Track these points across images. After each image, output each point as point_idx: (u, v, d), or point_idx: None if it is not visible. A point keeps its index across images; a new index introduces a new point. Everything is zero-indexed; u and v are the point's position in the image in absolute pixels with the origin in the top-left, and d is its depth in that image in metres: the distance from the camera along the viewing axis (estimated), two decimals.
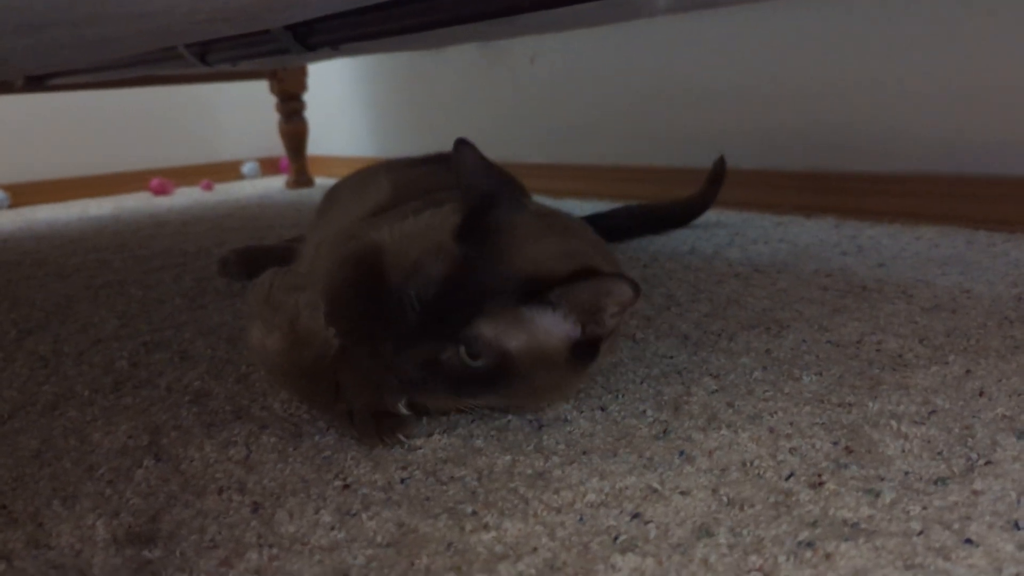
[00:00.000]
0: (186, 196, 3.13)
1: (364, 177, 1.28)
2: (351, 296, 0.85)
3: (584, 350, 0.80)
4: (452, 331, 0.75)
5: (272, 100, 3.12)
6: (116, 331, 1.26)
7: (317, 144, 3.26)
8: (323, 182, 3.25)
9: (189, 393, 0.98)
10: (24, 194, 3.12)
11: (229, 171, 3.58)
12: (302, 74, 3.06)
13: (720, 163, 1.74)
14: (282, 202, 2.79)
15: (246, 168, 3.61)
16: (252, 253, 1.54)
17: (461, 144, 0.79)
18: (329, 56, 1.72)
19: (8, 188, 3.09)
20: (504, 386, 0.77)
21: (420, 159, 1.30)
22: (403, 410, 0.81)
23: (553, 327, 0.77)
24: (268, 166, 3.67)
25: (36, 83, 2.41)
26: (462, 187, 0.81)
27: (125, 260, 1.84)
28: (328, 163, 3.40)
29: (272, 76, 3.01)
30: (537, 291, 0.75)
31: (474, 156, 0.80)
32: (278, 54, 1.48)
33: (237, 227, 2.25)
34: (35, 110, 3.07)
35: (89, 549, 0.65)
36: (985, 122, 1.62)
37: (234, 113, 3.55)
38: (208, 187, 3.31)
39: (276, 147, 3.43)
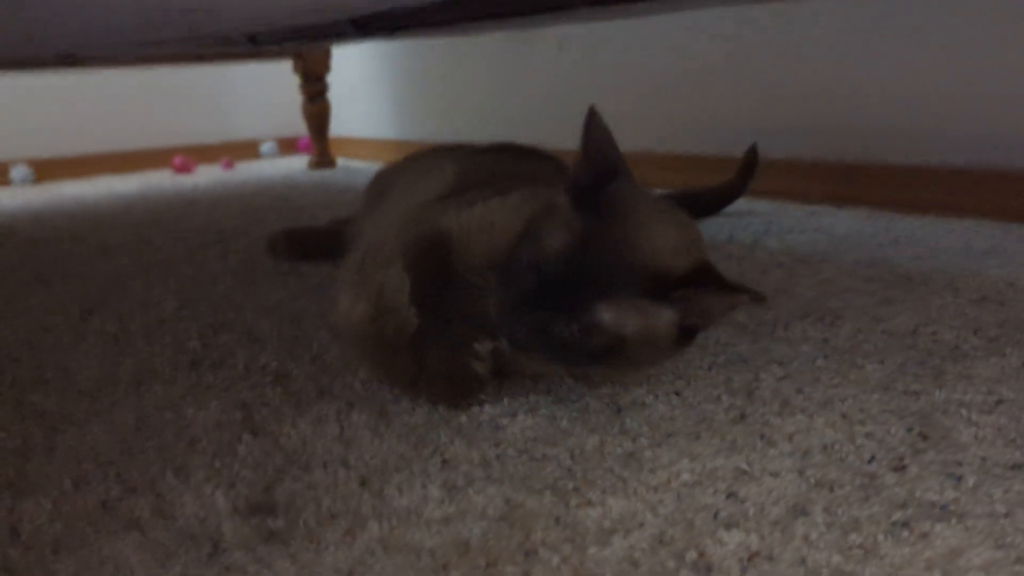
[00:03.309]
0: (208, 174, 3.15)
1: (424, 162, 1.30)
2: (420, 278, 0.87)
3: (683, 335, 0.83)
4: (571, 308, 0.77)
5: (291, 79, 3.14)
6: (176, 311, 1.29)
7: (338, 125, 3.28)
8: (344, 163, 3.27)
9: (269, 373, 1.01)
10: (47, 169, 3.14)
11: (247, 150, 3.60)
12: (326, 55, 3.08)
13: (753, 151, 1.76)
14: (307, 183, 2.81)
15: (264, 147, 3.63)
16: (301, 234, 1.57)
17: (592, 113, 0.80)
18: (383, 39, 1.74)
19: (32, 163, 3.10)
20: (608, 362, 0.81)
21: (483, 147, 1.32)
22: (482, 371, 0.84)
23: (667, 318, 0.80)
24: (285, 146, 3.69)
25: (67, 59, 2.43)
26: (586, 153, 0.82)
27: (165, 238, 1.87)
28: (349, 144, 3.42)
29: (297, 56, 3.02)
30: (661, 286, 0.78)
31: (601, 126, 0.81)
32: (331, 38, 1.50)
33: (268, 206, 2.28)
34: (57, 86, 3.08)
35: (214, 518, 0.68)
36: (1018, 117, 1.65)
37: (253, 92, 3.57)
38: (229, 166, 3.33)
39: (294, 127, 3.45)
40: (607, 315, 0.77)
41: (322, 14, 0.99)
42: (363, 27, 1.33)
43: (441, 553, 0.62)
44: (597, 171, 0.81)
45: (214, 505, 0.70)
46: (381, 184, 1.44)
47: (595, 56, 2.44)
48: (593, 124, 0.81)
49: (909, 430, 0.78)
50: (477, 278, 0.87)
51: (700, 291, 0.79)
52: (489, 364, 0.84)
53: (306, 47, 2.52)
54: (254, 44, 1.60)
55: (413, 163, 1.35)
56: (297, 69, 3.08)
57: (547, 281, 0.77)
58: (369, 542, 0.64)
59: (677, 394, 0.89)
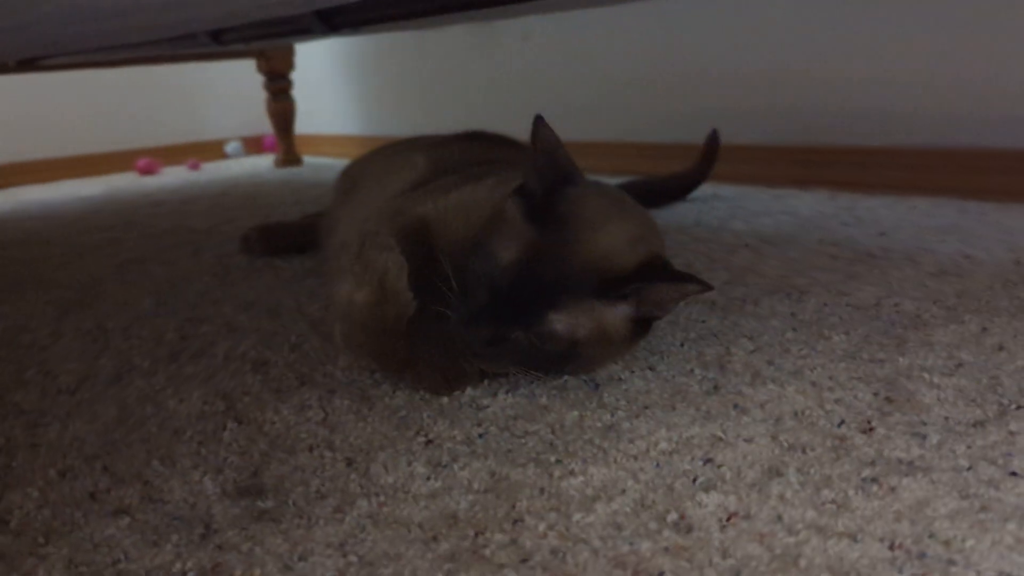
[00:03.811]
0: (174, 176, 3.13)
1: (395, 153, 1.32)
2: (411, 264, 0.89)
3: (640, 326, 0.86)
4: (525, 319, 0.80)
5: (255, 78, 3.12)
6: (153, 308, 1.29)
7: (303, 123, 3.27)
8: (311, 161, 3.26)
9: (248, 362, 1.02)
10: (8, 175, 3.10)
11: (212, 150, 3.57)
12: (289, 53, 3.07)
13: (713, 136, 1.79)
14: (274, 181, 2.80)
15: (230, 147, 3.60)
16: (274, 230, 1.58)
17: (538, 121, 0.82)
18: (349, 35, 1.74)
19: None
20: (567, 363, 0.85)
21: (452, 136, 1.34)
22: (472, 368, 0.87)
23: (620, 314, 0.83)
24: (251, 145, 3.67)
25: (28, 64, 2.40)
26: (535, 162, 0.84)
27: (136, 239, 1.86)
28: (315, 141, 3.41)
29: (260, 55, 3.01)
30: (612, 286, 0.81)
31: (549, 134, 0.83)
32: (298, 34, 1.51)
33: (237, 205, 2.27)
34: (15, 89, 3.04)
35: (203, 502, 0.69)
36: (973, 98, 1.70)
37: (217, 92, 3.55)
38: (195, 166, 3.31)
39: (259, 126, 3.44)
40: (559, 324, 0.80)
41: (289, 6, 1.00)
42: (329, 21, 1.34)
43: (430, 525, 0.64)
44: (547, 179, 0.84)
45: (203, 490, 0.71)
46: (351, 177, 1.45)
47: (560, 46, 2.46)
48: (541, 133, 0.83)
49: (875, 395, 0.81)
50: (455, 263, 0.89)
51: (653, 284, 0.82)
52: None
53: (271, 44, 2.51)
54: (218, 42, 1.60)
55: (383, 155, 1.37)
56: (261, 68, 3.07)
57: (500, 294, 0.80)
58: (359, 518, 0.65)
59: (652, 369, 0.92)
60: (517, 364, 0.84)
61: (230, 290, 1.37)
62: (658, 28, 2.20)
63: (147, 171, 3.20)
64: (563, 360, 0.84)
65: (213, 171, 3.20)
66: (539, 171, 0.84)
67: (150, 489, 0.72)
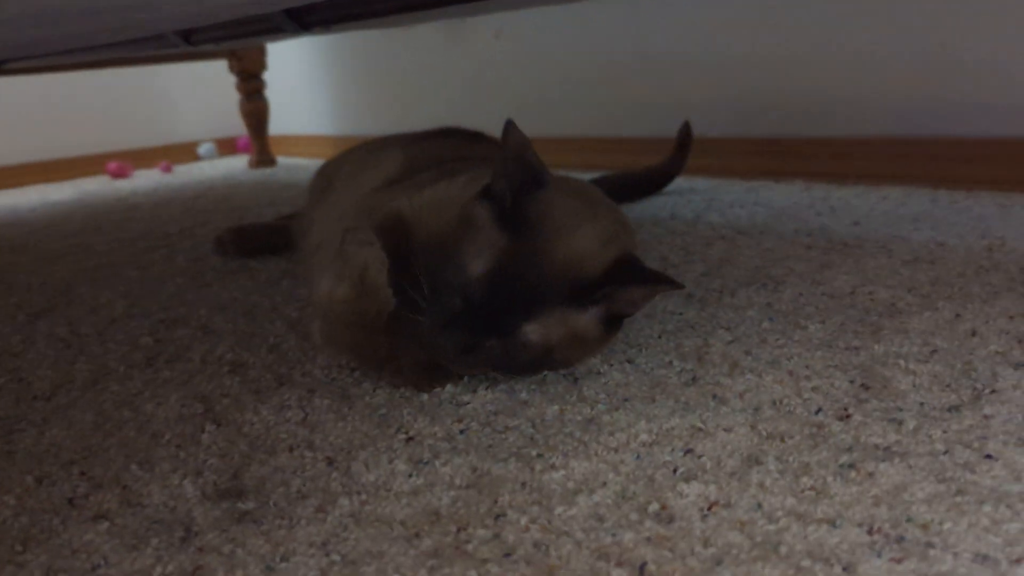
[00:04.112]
0: (146, 179, 3.10)
1: (370, 151, 1.31)
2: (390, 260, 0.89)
3: (611, 324, 0.87)
4: (498, 329, 0.80)
5: (227, 79, 3.10)
6: (127, 311, 1.28)
7: (277, 123, 3.24)
8: (285, 161, 3.24)
9: (225, 364, 1.01)
10: None
11: (185, 153, 3.54)
12: (261, 53, 3.04)
13: (686, 128, 1.80)
14: (248, 182, 2.78)
15: (202, 149, 3.57)
16: (249, 231, 1.57)
17: (508, 125, 0.82)
18: (321, 33, 1.73)
19: None
20: (542, 367, 0.86)
21: (425, 133, 1.34)
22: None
23: (592, 316, 0.84)
24: (224, 146, 3.64)
25: None
26: (504, 167, 0.84)
27: (109, 243, 1.84)
28: (289, 142, 3.39)
29: (231, 55, 2.98)
30: (583, 291, 0.81)
31: (519, 138, 0.83)
32: (269, 34, 1.50)
33: (211, 207, 2.26)
34: None
35: (183, 505, 0.69)
36: (942, 87, 1.72)
37: (189, 93, 3.51)
38: (167, 169, 3.28)
39: (232, 127, 3.41)
40: (534, 334, 0.81)
41: (258, 5, 0.99)
42: (300, 20, 1.33)
43: (412, 522, 0.64)
44: (517, 183, 0.83)
45: (182, 493, 0.71)
46: (327, 176, 1.44)
47: (532, 42, 2.46)
48: (511, 137, 0.83)
49: (852, 382, 0.82)
50: (428, 262, 0.88)
51: (625, 287, 0.83)
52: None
53: (243, 44, 2.49)
54: (189, 43, 1.59)
55: (358, 153, 1.36)
56: (233, 68, 3.04)
57: (473, 304, 0.80)
58: (341, 517, 0.65)
59: (630, 362, 0.92)
60: (492, 369, 0.85)
61: (205, 292, 1.35)
62: (629, 22, 2.21)
63: (118, 174, 3.16)
64: (537, 365, 0.85)
65: (186, 173, 3.17)
66: (508, 175, 0.83)
67: (129, 493, 0.71)
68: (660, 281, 0.84)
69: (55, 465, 0.78)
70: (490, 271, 0.81)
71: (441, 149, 1.19)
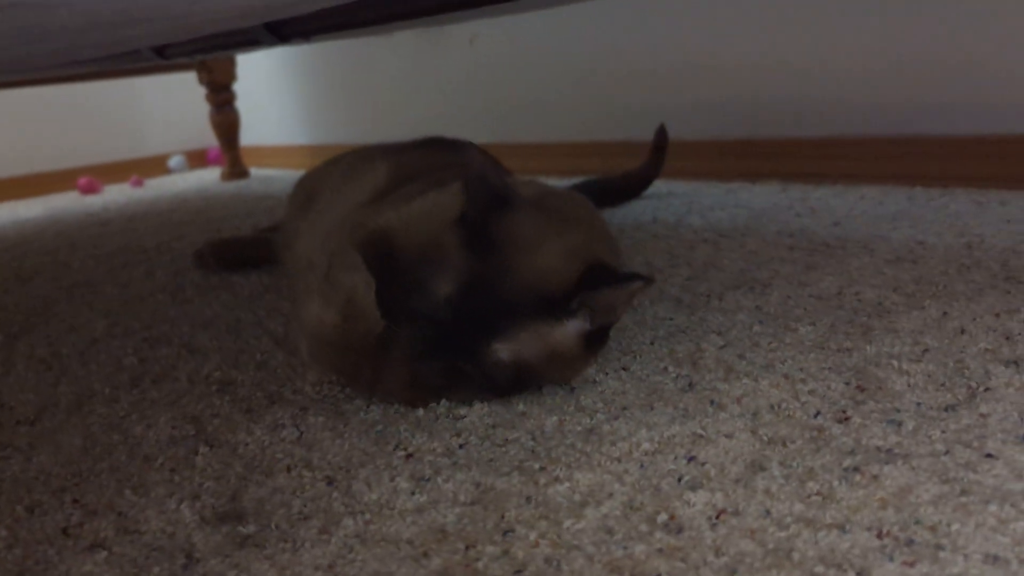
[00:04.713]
0: (117, 193, 3.06)
1: (354, 163, 1.30)
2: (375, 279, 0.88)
3: (596, 337, 0.86)
4: (470, 350, 0.80)
5: (195, 90, 3.07)
6: (108, 330, 1.26)
7: (248, 134, 3.22)
8: (258, 173, 3.22)
9: (213, 383, 1.00)
10: None
11: (155, 166, 3.50)
12: (231, 64, 3.02)
13: (661, 132, 1.81)
14: (223, 194, 2.75)
15: (173, 162, 3.53)
16: (228, 245, 1.55)
17: (468, 146, 0.82)
18: (299, 44, 1.72)
19: None
20: (523, 385, 0.85)
21: (411, 143, 1.32)
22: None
23: (568, 330, 0.83)
24: (194, 159, 3.60)
25: None
26: (468, 189, 0.84)
27: (85, 260, 1.81)
28: (261, 152, 3.36)
29: (200, 67, 2.95)
30: (556, 303, 0.81)
31: (480, 157, 0.83)
32: (245, 46, 1.48)
33: (187, 221, 2.23)
34: None
35: (182, 531, 0.67)
36: (914, 87, 1.74)
37: (157, 106, 3.48)
38: (138, 183, 3.24)
39: (202, 139, 3.38)
40: (504, 353, 0.80)
41: (242, 20, 0.98)
42: (278, 32, 1.31)
43: (420, 541, 0.63)
44: (481, 204, 0.83)
45: (180, 518, 0.69)
46: (308, 188, 1.42)
47: (506, 48, 2.46)
48: (472, 159, 0.82)
49: (847, 384, 0.82)
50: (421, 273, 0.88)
51: (597, 291, 0.82)
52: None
53: (215, 56, 2.46)
54: (163, 57, 1.57)
55: (341, 165, 1.35)
56: (202, 80, 3.01)
57: (442, 327, 0.80)
58: (346, 538, 0.64)
59: (625, 369, 0.92)
60: (474, 392, 0.85)
61: (187, 308, 1.34)
62: (603, 27, 2.22)
63: (88, 190, 3.12)
64: (517, 385, 0.84)
65: (158, 187, 3.14)
66: (471, 198, 0.83)
67: (125, 520, 0.70)
68: (630, 279, 0.83)
69: (45, 493, 0.76)
70: (456, 292, 0.80)
71: (427, 159, 1.18)
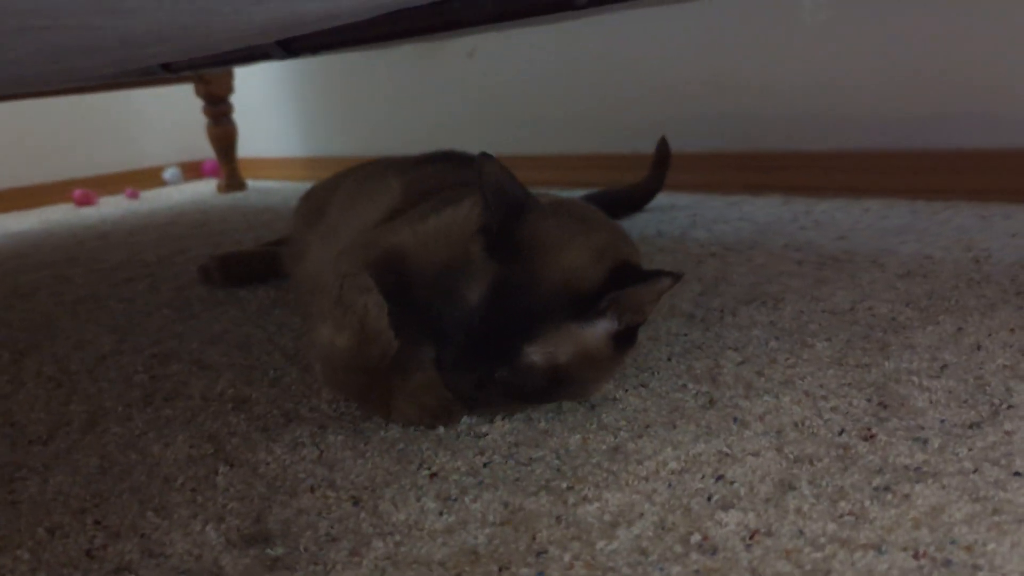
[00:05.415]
0: (113, 206, 3.04)
1: (365, 179, 1.29)
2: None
3: (624, 337, 0.86)
4: (502, 356, 0.79)
5: (191, 102, 3.06)
6: (116, 346, 1.25)
7: (245, 146, 3.21)
8: (255, 185, 3.21)
9: (228, 400, 0.99)
10: None
11: (150, 178, 3.49)
12: (228, 76, 3.01)
13: (663, 144, 1.81)
14: (221, 207, 2.74)
15: (168, 174, 3.52)
16: (234, 259, 1.54)
17: (483, 157, 0.82)
18: (307, 57, 1.72)
19: None
20: (557, 392, 0.84)
21: (423, 157, 1.32)
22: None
23: (598, 330, 0.83)
24: (189, 170, 3.59)
25: None
26: (485, 199, 0.84)
27: (86, 274, 1.80)
28: (258, 165, 3.35)
29: (199, 79, 2.94)
30: (584, 304, 0.81)
31: (494, 168, 0.83)
32: (254, 60, 1.48)
33: (187, 234, 2.22)
34: None
35: (209, 553, 0.67)
36: (916, 101, 1.75)
37: (153, 117, 3.46)
38: (134, 195, 3.22)
39: (197, 150, 3.37)
40: (537, 355, 0.80)
41: (260, 37, 0.98)
42: (288, 47, 1.31)
43: (452, 563, 0.62)
44: (501, 213, 0.83)
45: (206, 540, 0.69)
46: (316, 202, 1.42)
47: (504, 61, 2.46)
48: (487, 168, 0.83)
49: (869, 400, 0.82)
50: (437, 292, 0.88)
51: (625, 290, 0.82)
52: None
53: (220, 70, 2.46)
54: (169, 71, 1.56)
55: (352, 179, 1.34)
56: (199, 92, 3.00)
57: (473, 335, 0.80)
58: (377, 560, 0.64)
59: (644, 386, 0.92)
60: (507, 403, 0.85)
61: (195, 324, 1.33)
62: (603, 40, 2.22)
63: (84, 202, 3.10)
64: (551, 390, 0.83)
65: (153, 199, 3.12)
66: (490, 207, 0.83)
67: (149, 543, 0.69)
68: (659, 276, 0.82)
69: (65, 514, 0.76)
70: (484, 299, 0.80)
71: (440, 174, 1.18)
